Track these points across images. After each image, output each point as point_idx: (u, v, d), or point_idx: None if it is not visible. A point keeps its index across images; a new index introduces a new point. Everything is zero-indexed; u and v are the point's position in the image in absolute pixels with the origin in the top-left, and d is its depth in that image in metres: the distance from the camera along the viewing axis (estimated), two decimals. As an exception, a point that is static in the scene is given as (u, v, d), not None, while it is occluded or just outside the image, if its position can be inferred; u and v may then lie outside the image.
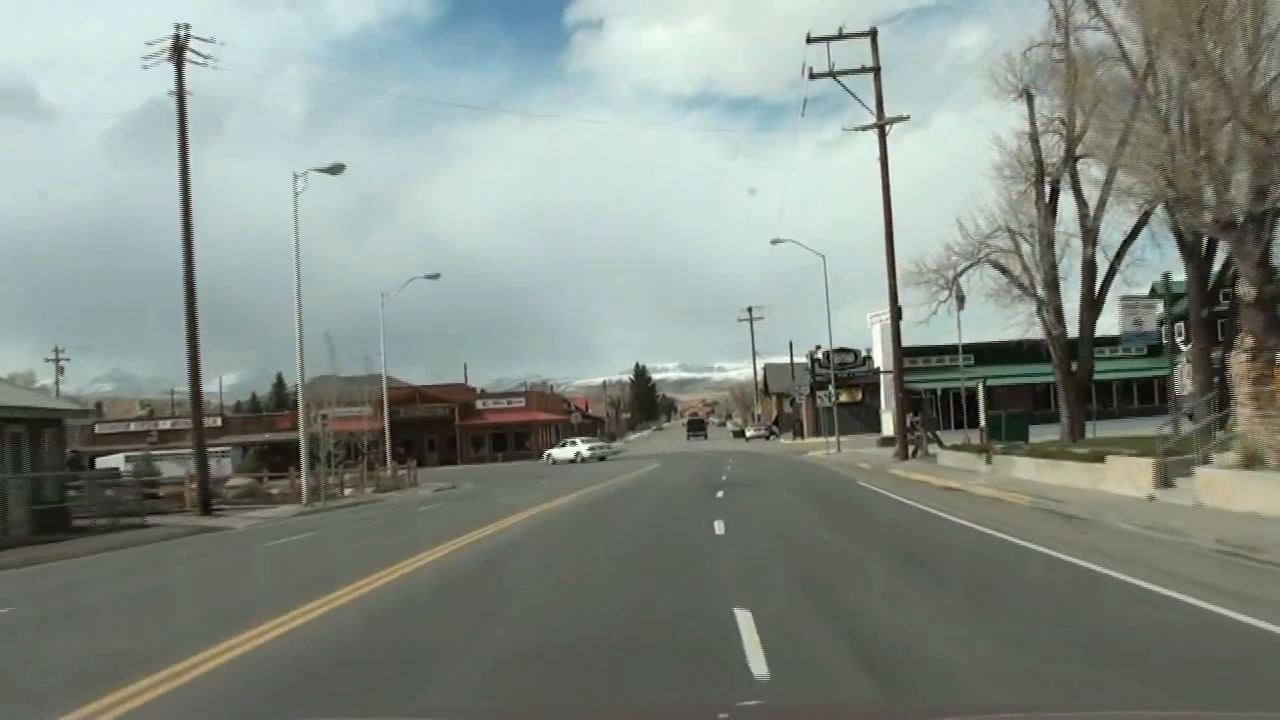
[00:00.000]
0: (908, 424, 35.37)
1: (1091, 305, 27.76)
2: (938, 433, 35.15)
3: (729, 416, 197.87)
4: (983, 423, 29.76)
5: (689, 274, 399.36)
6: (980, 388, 30.08)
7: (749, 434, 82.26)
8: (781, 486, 26.13)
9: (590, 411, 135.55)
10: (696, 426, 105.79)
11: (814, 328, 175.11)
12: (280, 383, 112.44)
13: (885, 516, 17.66)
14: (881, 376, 73.75)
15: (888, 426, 49.19)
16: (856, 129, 33.73)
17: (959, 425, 64.94)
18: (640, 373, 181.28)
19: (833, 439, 61.92)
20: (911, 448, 34.07)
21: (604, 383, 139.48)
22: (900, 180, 33.43)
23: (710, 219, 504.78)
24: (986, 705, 5.11)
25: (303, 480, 30.61)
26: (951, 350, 78.06)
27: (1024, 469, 21.73)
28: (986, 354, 75.14)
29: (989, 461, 24.54)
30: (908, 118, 34.32)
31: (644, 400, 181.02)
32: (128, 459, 42.42)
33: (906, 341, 72.33)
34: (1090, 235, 26.93)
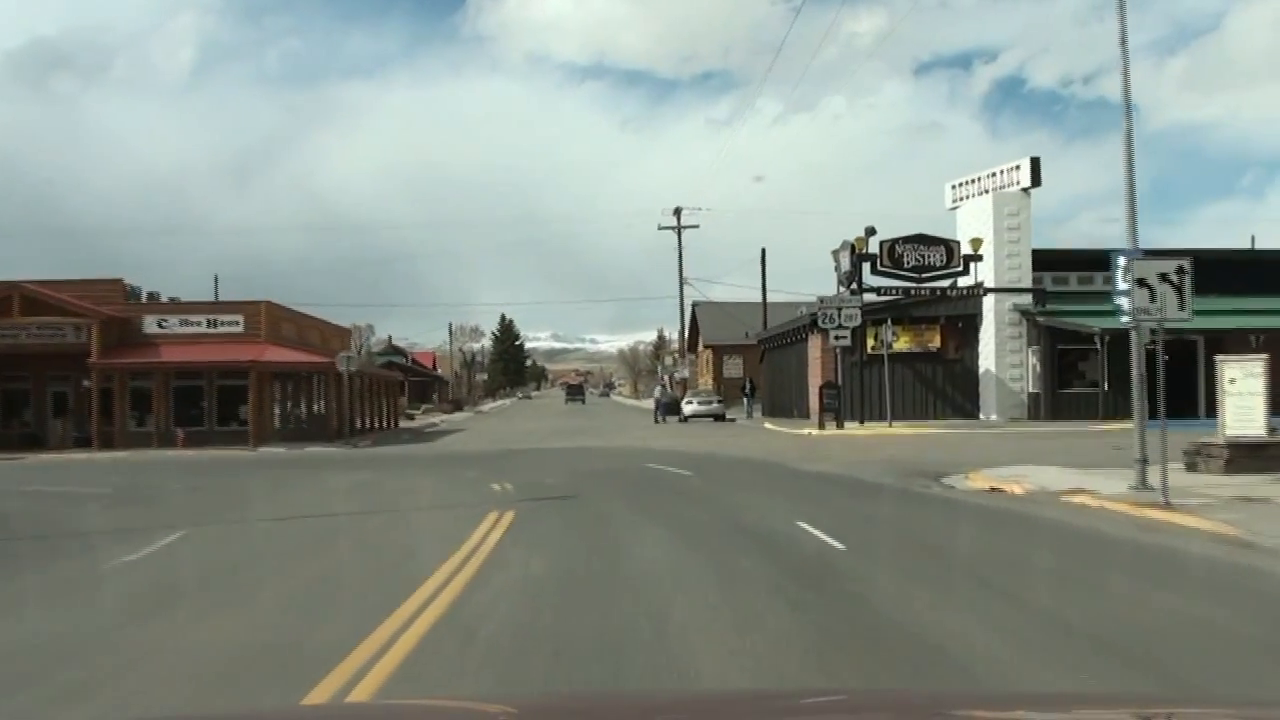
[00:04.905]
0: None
1: None
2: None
3: (610, 386, 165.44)
4: None
5: (568, 245, 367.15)
6: None
7: (689, 411, 46.14)
8: None
9: (438, 370, 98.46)
10: (575, 391, 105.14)
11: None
12: None
13: None
14: (988, 300, 38.43)
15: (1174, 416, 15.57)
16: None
17: (1181, 407, 30.24)
18: (507, 327, 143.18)
19: (915, 429, 27.72)
20: None
21: (451, 328, 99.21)
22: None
23: (594, 191, 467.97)
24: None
25: None
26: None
27: None
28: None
29: None
30: None
31: (510, 360, 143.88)
32: None
33: (1039, 242, 37.29)
34: None
